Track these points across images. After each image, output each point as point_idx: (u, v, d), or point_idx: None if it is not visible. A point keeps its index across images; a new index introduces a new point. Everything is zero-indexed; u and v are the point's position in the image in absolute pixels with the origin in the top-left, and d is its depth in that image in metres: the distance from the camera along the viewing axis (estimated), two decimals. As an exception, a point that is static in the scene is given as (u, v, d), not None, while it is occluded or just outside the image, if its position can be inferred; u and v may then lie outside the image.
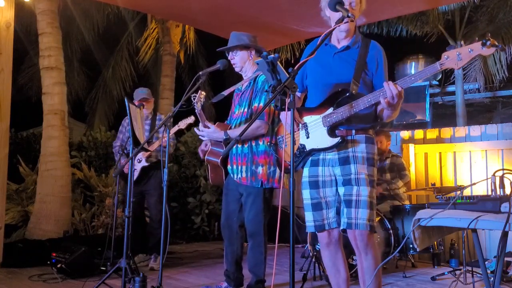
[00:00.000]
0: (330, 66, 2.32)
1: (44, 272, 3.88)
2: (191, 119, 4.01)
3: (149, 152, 4.31)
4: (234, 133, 3.12)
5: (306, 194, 2.33)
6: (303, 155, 2.32)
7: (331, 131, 2.22)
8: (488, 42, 1.75)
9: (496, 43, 1.75)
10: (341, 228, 2.23)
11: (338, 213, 2.27)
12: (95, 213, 5.90)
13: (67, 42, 9.09)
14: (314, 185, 2.31)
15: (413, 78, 1.98)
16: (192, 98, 3.04)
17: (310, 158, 2.34)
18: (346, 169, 2.23)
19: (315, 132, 2.27)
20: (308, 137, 2.31)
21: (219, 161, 3.21)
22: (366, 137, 2.26)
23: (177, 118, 3.86)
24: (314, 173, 2.32)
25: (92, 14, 9.24)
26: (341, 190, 2.24)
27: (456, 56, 1.83)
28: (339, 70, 2.28)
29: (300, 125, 2.34)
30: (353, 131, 2.25)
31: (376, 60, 2.28)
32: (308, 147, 2.30)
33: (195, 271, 4.22)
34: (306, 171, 2.35)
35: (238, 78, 3.41)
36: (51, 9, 5.57)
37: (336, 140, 2.21)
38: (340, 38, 2.32)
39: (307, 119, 2.31)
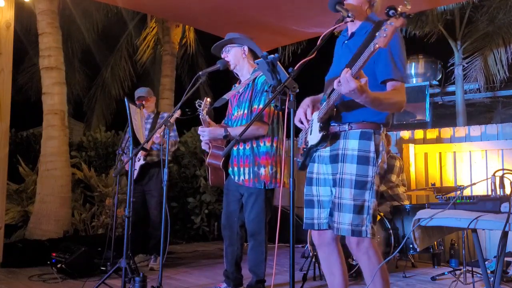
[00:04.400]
0: (339, 57, 2.23)
1: (44, 272, 3.88)
2: (177, 113, 3.91)
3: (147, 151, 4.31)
4: (234, 131, 3.12)
5: (305, 189, 2.28)
6: (306, 152, 2.26)
7: (322, 127, 2.12)
8: (392, 12, 1.65)
9: (403, 10, 1.64)
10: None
11: (331, 214, 2.14)
12: (95, 213, 5.90)
13: (67, 42, 9.09)
14: (309, 181, 2.26)
15: (360, 63, 1.79)
16: (197, 105, 3.03)
17: (314, 154, 2.26)
18: (334, 168, 2.13)
19: (314, 128, 2.20)
20: (310, 134, 2.23)
21: (220, 163, 3.20)
22: (362, 132, 2.08)
23: (180, 121, 3.82)
24: (310, 170, 2.27)
25: (92, 14, 9.25)
26: (333, 190, 2.14)
27: (383, 33, 1.68)
28: (342, 60, 2.12)
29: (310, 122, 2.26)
30: (346, 126, 2.11)
31: None
32: (309, 144, 2.22)
33: (195, 271, 4.21)
34: (309, 167, 2.29)
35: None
36: (51, 9, 5.56)
37: (320, 135, 2.11)
38: (350, 26, 2.19)
39: (314, 115, 2.22)
